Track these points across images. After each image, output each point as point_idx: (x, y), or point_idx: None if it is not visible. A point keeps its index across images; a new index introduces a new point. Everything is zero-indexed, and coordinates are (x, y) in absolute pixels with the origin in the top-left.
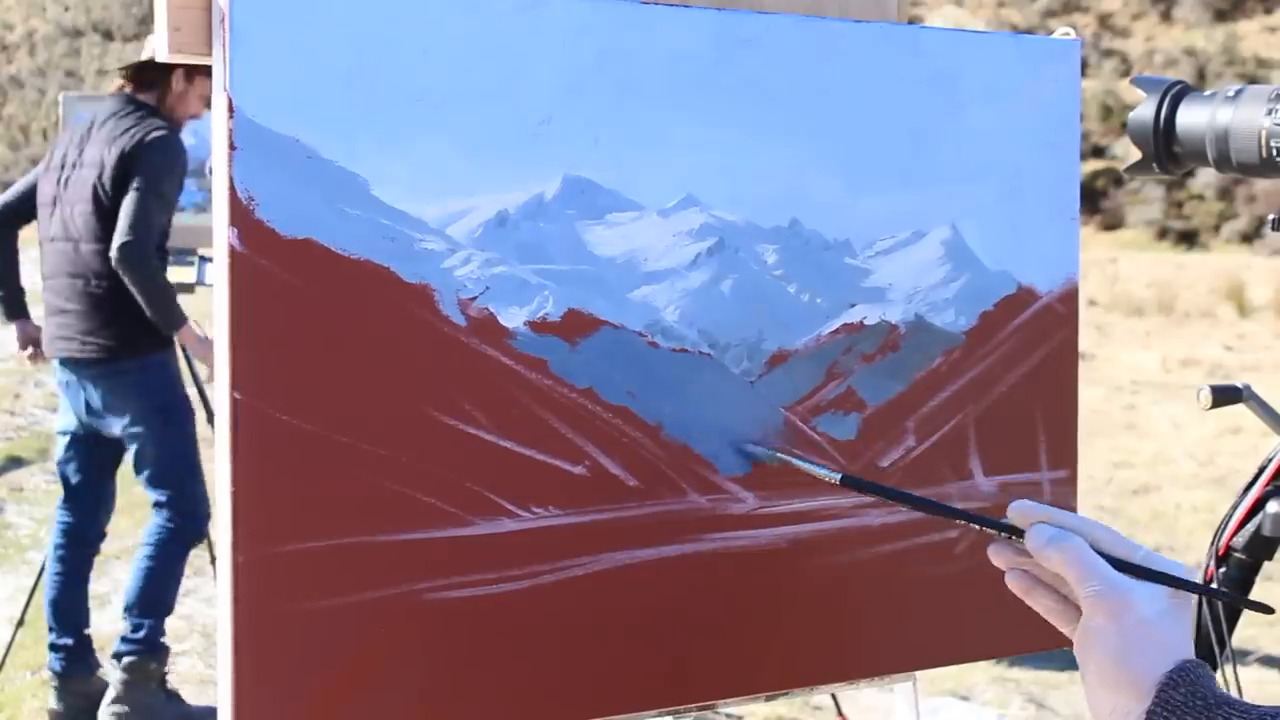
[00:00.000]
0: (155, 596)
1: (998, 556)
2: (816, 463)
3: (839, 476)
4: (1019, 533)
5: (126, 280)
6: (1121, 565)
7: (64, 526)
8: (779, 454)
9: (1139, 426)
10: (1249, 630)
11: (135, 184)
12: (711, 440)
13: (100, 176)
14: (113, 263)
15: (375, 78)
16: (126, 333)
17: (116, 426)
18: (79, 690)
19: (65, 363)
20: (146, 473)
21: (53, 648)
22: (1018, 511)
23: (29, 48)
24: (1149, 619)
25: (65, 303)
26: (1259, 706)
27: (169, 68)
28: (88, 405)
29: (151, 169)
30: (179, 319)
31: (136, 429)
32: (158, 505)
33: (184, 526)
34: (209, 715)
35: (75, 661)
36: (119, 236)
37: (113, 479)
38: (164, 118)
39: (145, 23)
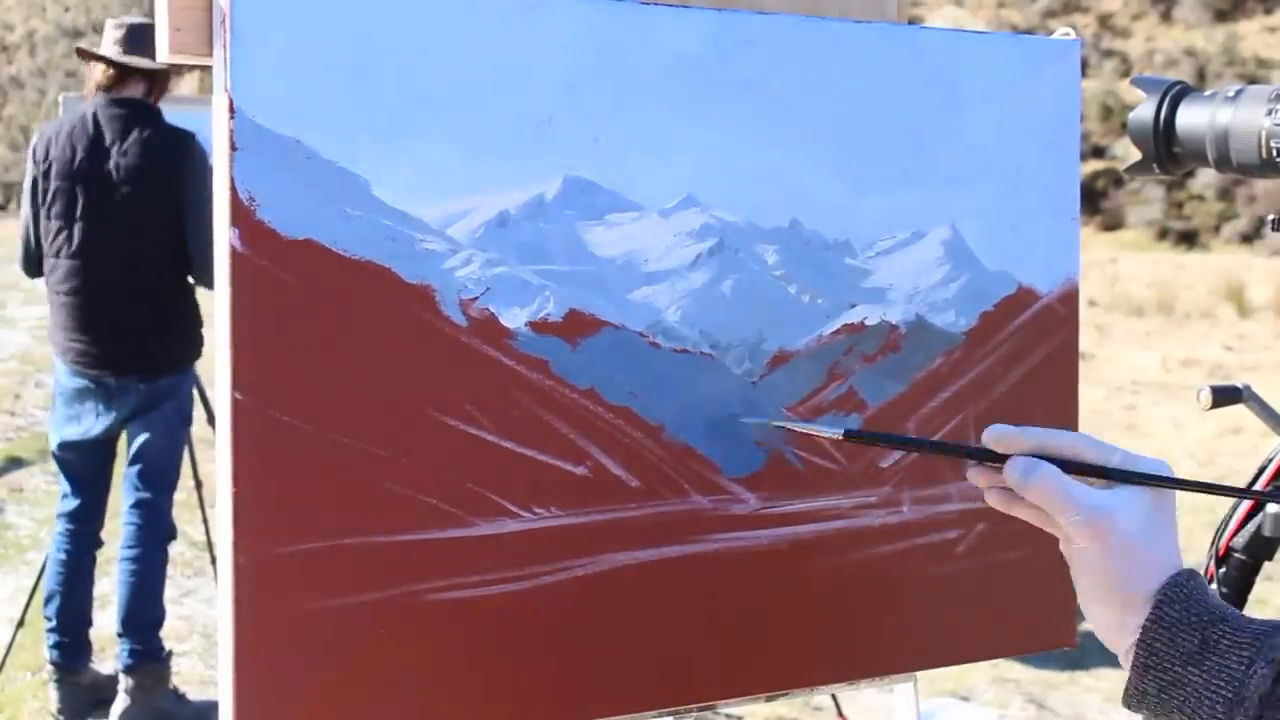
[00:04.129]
0: (150, 608)
1: (978, 478)
2: (818, 423)
3: (842, 431)
4: (1000, 459)
5: (201, 287)
6: (1100, 473)
7: (72, 530)
8: (779, 422)
9: (1139, 426)
10: None
11: (193, 203)
12: (713, 441)
13: (149, 195)
14: (196, 282)
15: (376, 78)
16: (176, 348)
17: (142, 430)
18: (77, 681)
19: (103, 374)
20: (143, 468)
21: (53, 645)
22: (993, 437)
23: (29, 48)
24: (1133, 534)
25: (101, 318)
26: (1254, 622)
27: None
28: (119, 415)
29: (201, 183)
30: None
31: (158, 431)
32: (138, 505)
33: (159, 526)
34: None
35: (73, 656)
36: (201, 259)
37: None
38: (158, 111)
39: None
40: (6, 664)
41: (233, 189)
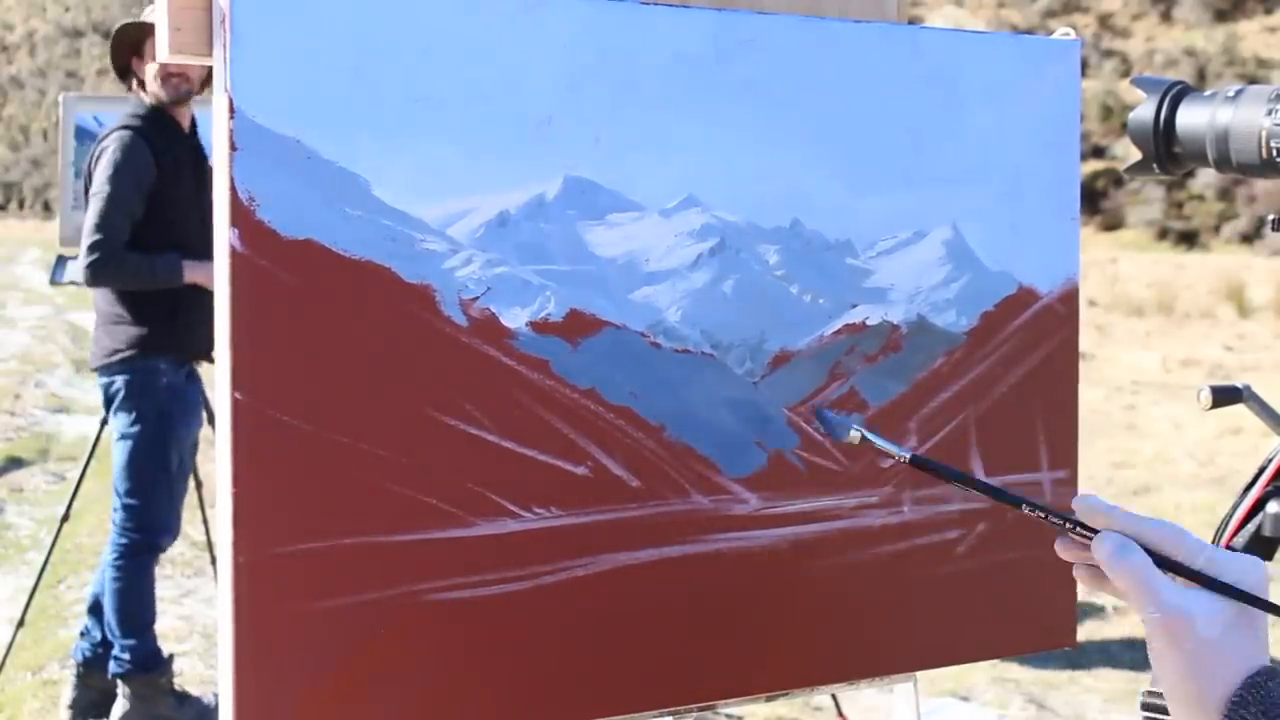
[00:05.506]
0: (131, 613)
1: (1064, 551)
2: (890, 441)
3: (909, 455)
4: (1090, 531)
5: (110, 290)
6: (1184, 573)
7: None
8: (859, 428)
9: (1139, 426)
10: None
11: (90, 194)
12: (714, 441)
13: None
14: (85, 283)
15: (376, 78)
16: (125, 340)
17: (121, 428)
18: (97, 684)
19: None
20: (119, 472)
21: (83, 634)
22: (1084, 508)
23: (29, 48)
24: (1212, 639)
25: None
26: None
27: (126, 52)
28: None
29: (100, 173)
30: (175, 271)
31: (132, 429)
32: (117, 510)
33: (139, 541)
34: None
35: (101, 656)
36: (79, 257)
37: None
38: (152, 108)
39: None
40: (6, 664)
41: (233, 189)
